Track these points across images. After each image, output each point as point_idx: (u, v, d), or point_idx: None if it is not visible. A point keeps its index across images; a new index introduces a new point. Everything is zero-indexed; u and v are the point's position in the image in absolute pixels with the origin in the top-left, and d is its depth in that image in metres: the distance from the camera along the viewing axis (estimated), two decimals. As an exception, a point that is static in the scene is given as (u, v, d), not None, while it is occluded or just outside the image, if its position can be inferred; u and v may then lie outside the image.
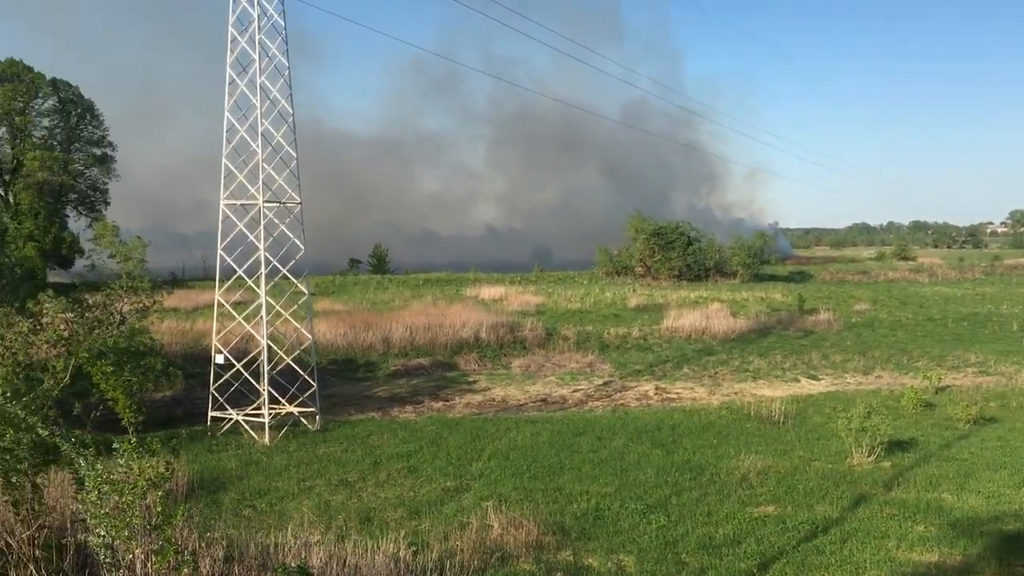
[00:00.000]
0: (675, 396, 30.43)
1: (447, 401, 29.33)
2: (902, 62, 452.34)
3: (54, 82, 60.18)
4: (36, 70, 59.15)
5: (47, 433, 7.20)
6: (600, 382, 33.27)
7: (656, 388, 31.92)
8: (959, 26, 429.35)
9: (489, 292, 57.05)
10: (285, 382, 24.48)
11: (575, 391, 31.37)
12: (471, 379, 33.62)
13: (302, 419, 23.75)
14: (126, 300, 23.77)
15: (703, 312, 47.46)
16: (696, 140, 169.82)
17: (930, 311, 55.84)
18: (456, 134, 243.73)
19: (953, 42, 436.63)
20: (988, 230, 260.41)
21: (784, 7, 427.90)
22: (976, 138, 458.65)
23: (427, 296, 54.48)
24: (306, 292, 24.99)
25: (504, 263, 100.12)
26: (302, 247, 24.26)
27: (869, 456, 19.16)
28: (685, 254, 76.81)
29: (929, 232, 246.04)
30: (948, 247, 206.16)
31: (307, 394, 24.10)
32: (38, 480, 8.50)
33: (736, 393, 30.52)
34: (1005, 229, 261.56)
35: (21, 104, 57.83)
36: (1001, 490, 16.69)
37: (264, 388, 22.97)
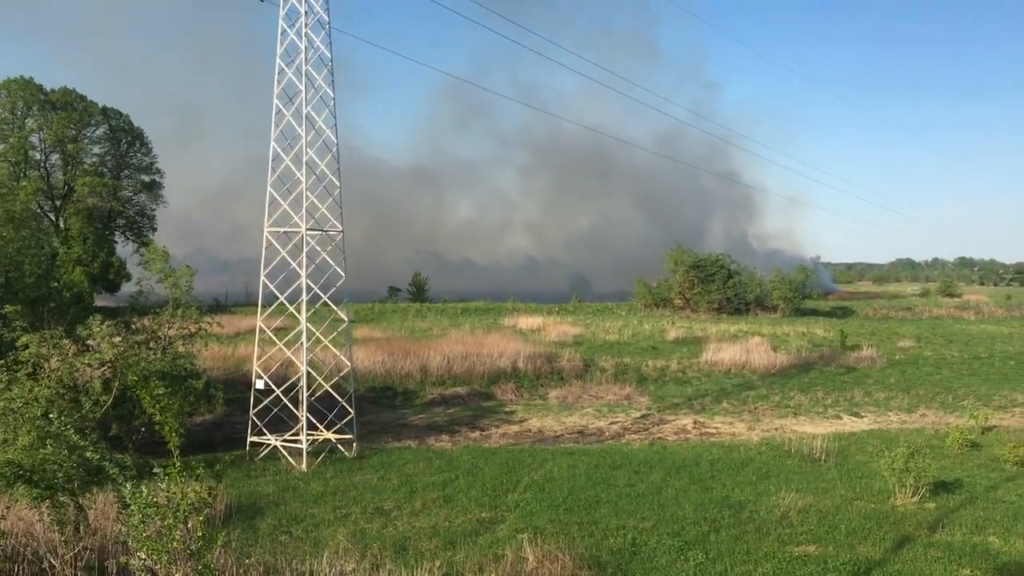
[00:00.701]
0: (714, 431, 30.08)
1: (483, 431, 29.28)
2: (950, 97, 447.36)
3: (105, 110, 61.80)
4: (89, 99, 60.78)
5: (96, 456, 7.31)
6: (638, 415, 33.01)
7: (695, 422, 31.58)
8: (1005, 63, 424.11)
9: (527, 322, 57.04)
10: (323, 409, 24.62)
11: (612, 423, 31.14)
12: (508, 409, 33.55)
13: (339, 446, 23.86)
14: (173, 325, 24.17)
15: (743, 346, 46.97)
16: (733, 170, 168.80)
17: (976, 349, 54.73)
18: (492, 162, 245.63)
19: (1002, 79, 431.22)
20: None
21: (827, 38, 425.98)
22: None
23: (465, 325, 54.60)
24: (346, 319, 25.20)
25: (542, 293, 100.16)
26: (343, 275, 24.51)
27: (913, 496, 18.75)
28: (725, 287, 76.22)
29: (975, 269, 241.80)
30: (995, 284, 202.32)
31: (344, 421, 24.22)
32: (82, 501, 8.63)
33: (776, 429, 30.09)
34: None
35: (74, 132, 59.42)
36: (1051, 535, 16.22)
37: (303, 414, 23.13)
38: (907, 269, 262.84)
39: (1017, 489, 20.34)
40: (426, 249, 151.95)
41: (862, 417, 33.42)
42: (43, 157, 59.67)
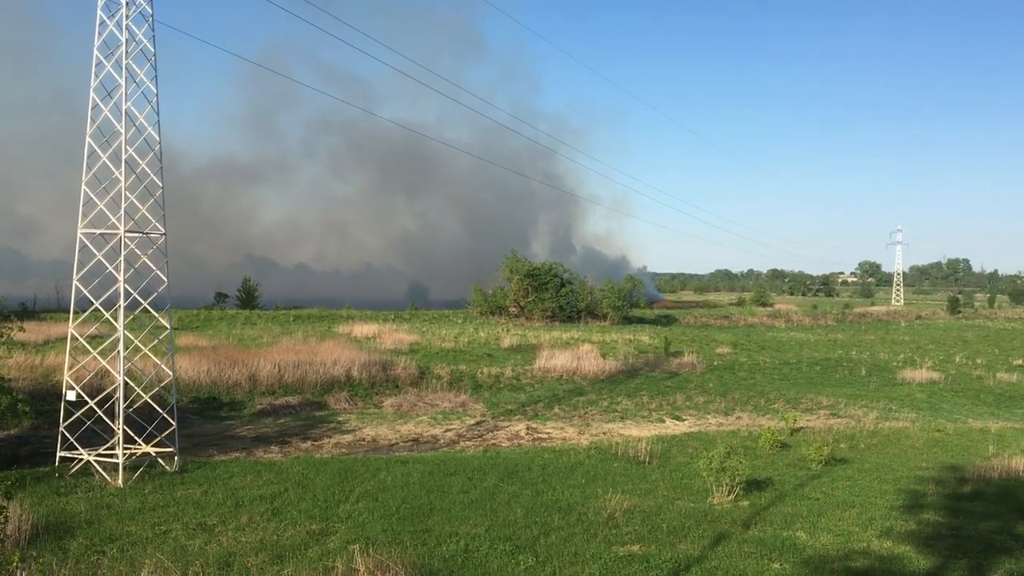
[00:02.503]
0: (546, 436, 30.69)
1: (316, 441, 28.62)
2: (761, 113, 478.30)
3: None
4: None
5: None
6: (472, 422, 33.23)
7: (527, 428, 32.12)
8: (814, 81, 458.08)
9: (362, 330, 56.32)
10: (142, 421, 23.35)
11: (447, 431, 31.20)
12: (341, 418, 32.96)
13: (160, 460, 22.66)
14: (-32, 332, 22.26)
15: (574, 353, 48.29)
16: (556, 175, 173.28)
17: (786, 355, 58.60)
18: (319, 163, 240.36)
19: (809, 99, 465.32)
20: (840, 279, 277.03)
21: (643, 48, 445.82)
22: (830, 191, 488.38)
23: (298, 333, 53.29)
24: (168, 327, 24.00)
25: (379, 301, 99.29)
26: (165, 279, 23.34)
27: (729, 495, 19.80)
28: (558, 295, 78.14)
29: (786, 280, 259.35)
30: (803, 294, 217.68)
31: (166, 433, 23.04)
32: None
33: (604, 433, 31.06)
34: (855, 279, 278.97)
35: None
36: (851, 528, 17.53)
37: (119, 427, 21.82)
38: (725, 279, 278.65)
39: (822, 487, 21.88)
40: (257, 254, 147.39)
41: (683, 420, 35.03)
42: None
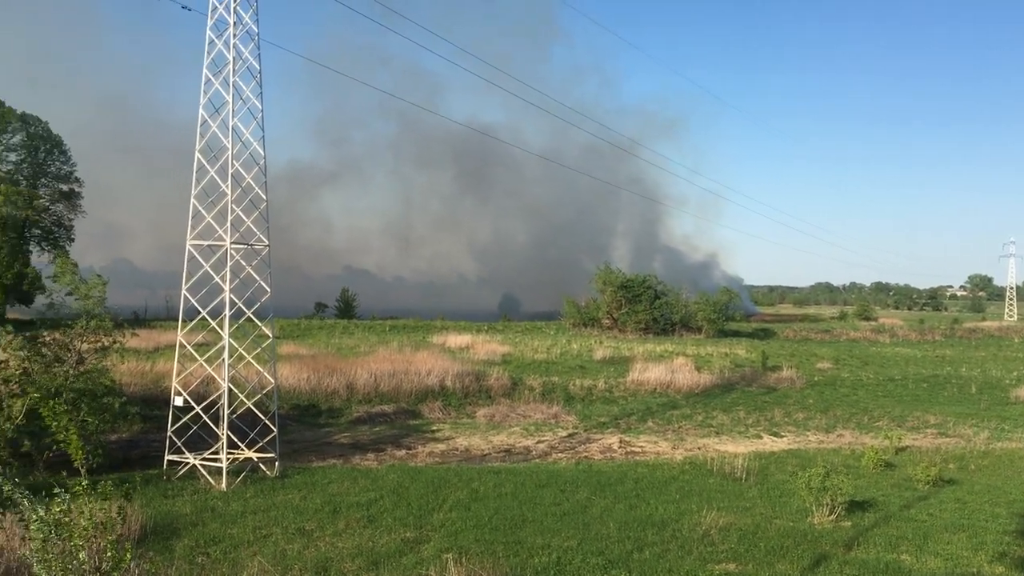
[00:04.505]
0: (639, 450, 30.36)
1: (410, 449, 29.01)
2: (869, 126, 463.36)
3: (23, 116, 59.79)
4: (7, 104, 58.78)
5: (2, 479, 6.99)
6: (564, 434, 33.13)
7: (620, 441, 31.84)
8: (921, 94, 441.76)
9: (456, 340, 56.88)
10: (245, 427, 24.08)
11: (539, 442, 31.19)
12: (435, 427, 33.33)
13: (261, 465, 23.33)
14: (85, 339, 23.40)
15: (668, 366, 47.67)
16: (639, 180, 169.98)
17: (891, 371, 56.53)
18: (415, 177, 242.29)
19: (917, 109, 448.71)
20: (948, 293, 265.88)
21: (739, 57, 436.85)
22: (938, 203, 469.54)
23: (393, 342, 54.18)
24: (270, 335, 24.73)
25: (472, 311, 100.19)
26: (268, 289, 24.07)
27: (830, 515, 19.18)
28: (651, 308, 77.34)
29: (891, 293, 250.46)
30: (909, 309, 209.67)
31: (267, 439, 23.71)
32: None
33: (699, 448, 30.53)
34: (964, 293, 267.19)
35: (-12, 138, 57.34)
36: (960, 552, 16.75)
37: (223, 432, 22.57)
38: (826, 293, 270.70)
39: (929, 508, 20.98)
40: (356, 265, 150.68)
41: (782, 437, 34.14)
42: (-46, 163, 57.43)
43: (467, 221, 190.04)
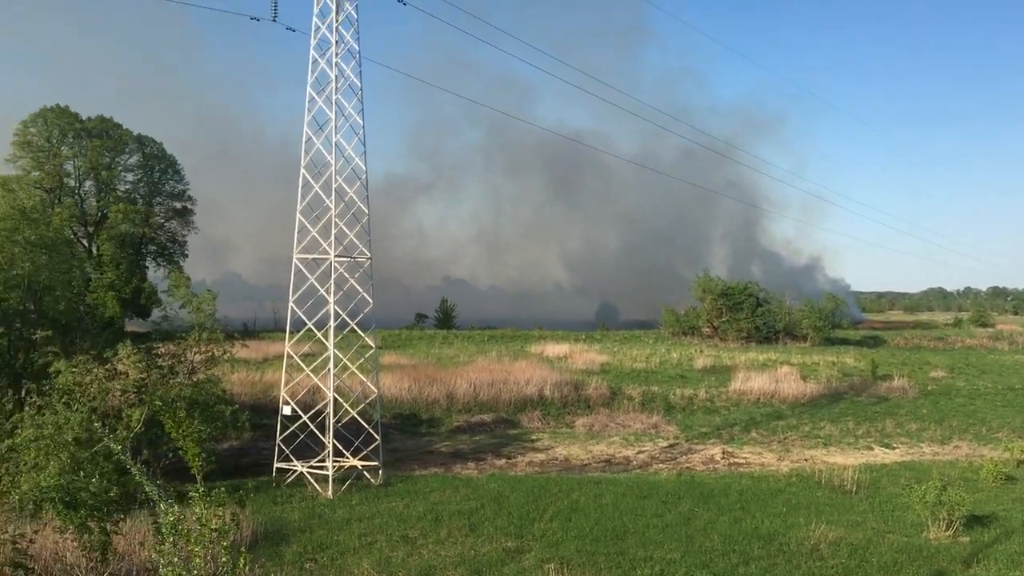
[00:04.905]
0: (743, 461, 29.71)
1: (509, 458, 29.13)
2: (985, 123, 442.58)
3: (139, 138, 62.76)
4: (124, 126, 61.81)
5: (142, 479, 7.31)
6: (665, 444, 32.71)
7: (723, 452, 31.23)
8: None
9: (554, 349, 56.86)
10: (350, 435, 24.62)
11: (639, 452, 30.87)
12: (534, 437, 33.38)
13: (365, 473, 23.81)
14: (198, 350, 24.36)
15: (772, 375, 46.52)
16: (736, 184, 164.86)
17: (1010, 380, 53.77)
18: (506, 185, 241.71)
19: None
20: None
21: (851, 65, 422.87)
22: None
23: (492, 352, 54.52)
24: (373, 346, 25.24)
25: (569, 321, 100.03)
26: (371, 301, 24.59)
27: (947, 530, 18.36)
28: (754, 316, 75.62)
29: (1009, 298, 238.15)
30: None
31: (371, 448, 24.19)
32: (110, 527, 8.64)
33: (806, 460, 29.67)
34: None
35: (108, 159, 60.35)
36: (1092, 572, 15.80)
37: (329, 441, 23.14)
38: (939, 298, 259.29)
39: (1055, 524, 19.86)
40: (454, 276, 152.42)
41: (894, 448, 32.88)
42: (77, 184, 60.57)
43: (559, 229, 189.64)
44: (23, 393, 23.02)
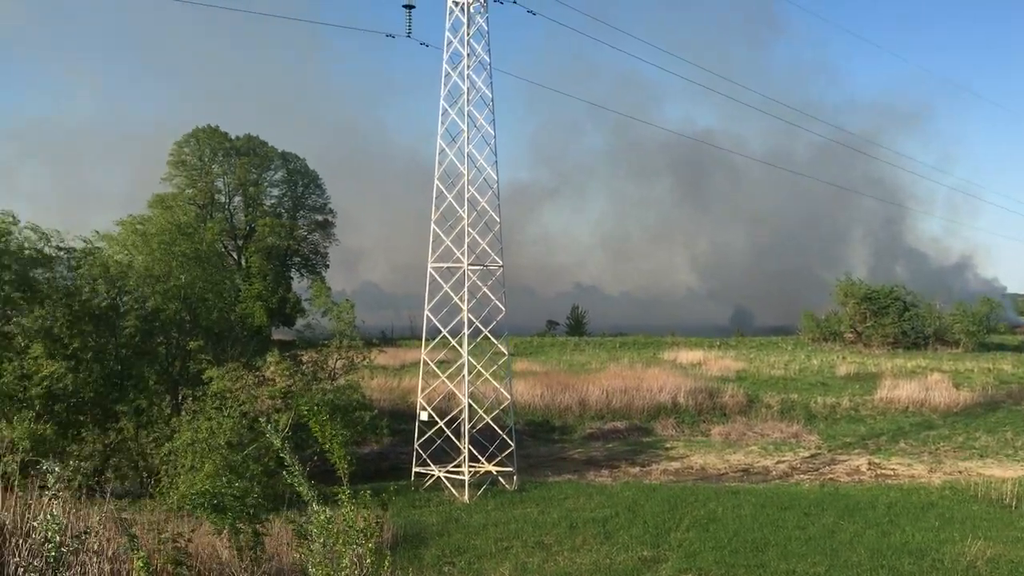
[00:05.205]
0: (890, 472, 28.38)
1: (644, 466, 28.85)
2: None
3: (284, 155, 65.79)
4: (269, 144, 64.94)
5: (296, 480, 7.65)
6: (806, 454, 31.61)
7: (869, 463, 29.91)
8: None
9: (687, 356, 55.95)
10: (484, 441, 24.96)
11: (779, 462, 29.96)
12: (668, 445, 32.92)
13: (500, 478, 24.08)
14: (338, 356, 25.27)
15: (921, 382, 44.20)
16: (876, 181, 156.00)
17: None
18: (632, 189, 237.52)
19: None
20: None
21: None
22: None
23: (624, 359, 54.15)
24: (506, 353, 25.53)
25: (703, 327, 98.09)
26: (503, 309, 24.89)
27: (1124, 551, 16.95)
28: (900, 320, 72.09)
29: None
30: None
31: (505, 454, 24.44)
32: (260, 528, 9.05)
33: (960, 472, 28.06)
34: None
35: (255, 176, 63.54)
36: None
37: (465, 446, 23.54)
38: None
39: None
40: (584, 282, 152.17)
41: (1060, 461, 30.66)
42: (227, 200, 64.06)
43: (687, 232, 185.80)
44: (180, 399, 24.51)
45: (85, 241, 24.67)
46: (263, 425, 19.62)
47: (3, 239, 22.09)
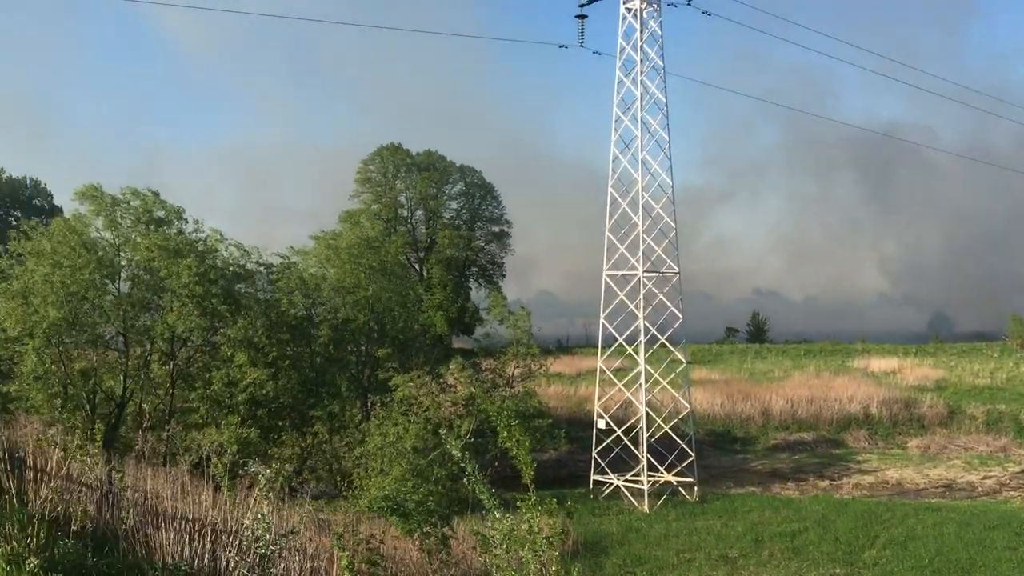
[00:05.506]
0: (1118, 492, 25.69)
1: (833, 480, 27.52)
2: None
3: (461, 168, 67.75)
4: (447, 159, 67.10)
5: (478, 486, 7.83)
6: (1017, 469, 29.13)
7: (1091, 481, 27.21)
8: None
9: (879, 364, 52.90)
10: (663, 450, 24.61)
11: (985, 478, 27.78)
12: (860, 458, 31.26)
13: (680, 489, 23.66)
14: (515, 364, 25.67)
15: None
16: None
17: None
18: (811, 188, 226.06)
19: None
20: None
21: None
22: None
23: (809, 367, 51.89)
24: (684, 361, 25.09)
25: (895, 333, 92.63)
26: (680, 316, 24.49)
27: None
28: None
29: None
30: None
31: (685, 464, 24.00)
32: (446, 531, 9.30)
33: None
34: None
35: (435, 189, 65.77)
36: None
37: (643, 455, 23.30)
38: None
39: None
40: (764, 287, 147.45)
41: None
42: (409, 213, 66.63)
43: (874, 233, 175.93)
44: (369, 405, 25.66)
45: (282, 257, 26.33)
46: (444, 432, 20.26)
47: (211, 255, 23.90)
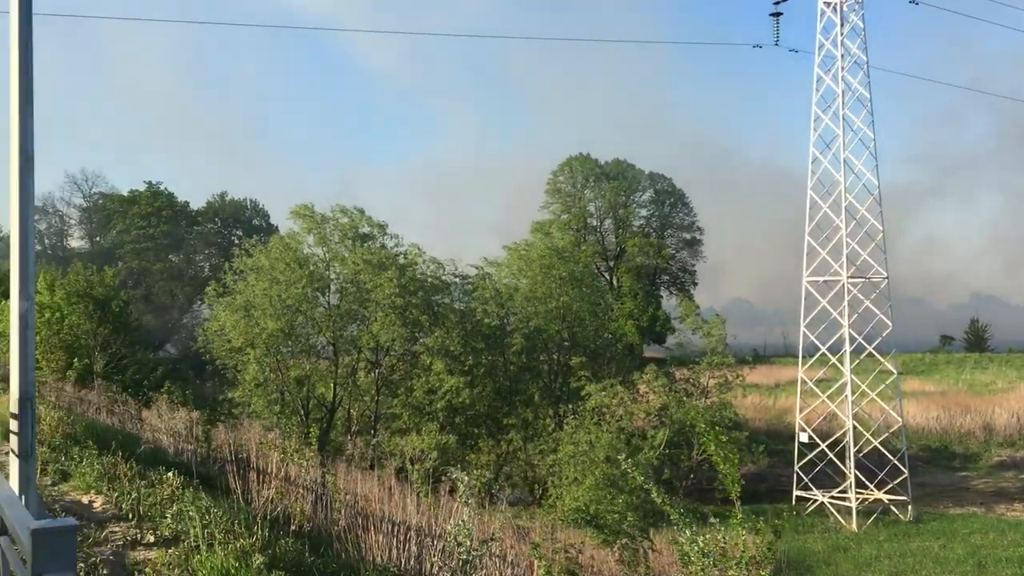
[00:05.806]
0: None
1: (1074, 504, 25.00)
2: None
3: (651, 176, 67.13)
4: (637, 167, 66.68)
5: (660, 498, 7.73)
6: None
7: None
8: None
9: None
10: (872, 466, 23.24)
11: None
12: (1104, 479, 28.22)
13: (892, 507, 22.24)
14: (710, 374, 25.05)
15: None
16: None
17: None
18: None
19: None
20: None
21: None
22: None
23: (1038, 379, 47.47)
24: (894, 371, 23.61)
25: None
26: (889, 323, 23.08)
27: None
28: None
29: None
30: None
31: (897, 481, 22.55)
32: (645, 543, 9.19)
33: None
34: None
35: (624, 198, 65.52)
36: None
37: (850, 471, 22.10)
38: None
39: None
40: (984, 292, 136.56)
41: None
42: (598, 223, 66.66)
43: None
44: (561, 413, 25.86)
45: (476, 268, 27.08)
46: (638, 443, 20.10)
47: (411, 268, 24.95)
